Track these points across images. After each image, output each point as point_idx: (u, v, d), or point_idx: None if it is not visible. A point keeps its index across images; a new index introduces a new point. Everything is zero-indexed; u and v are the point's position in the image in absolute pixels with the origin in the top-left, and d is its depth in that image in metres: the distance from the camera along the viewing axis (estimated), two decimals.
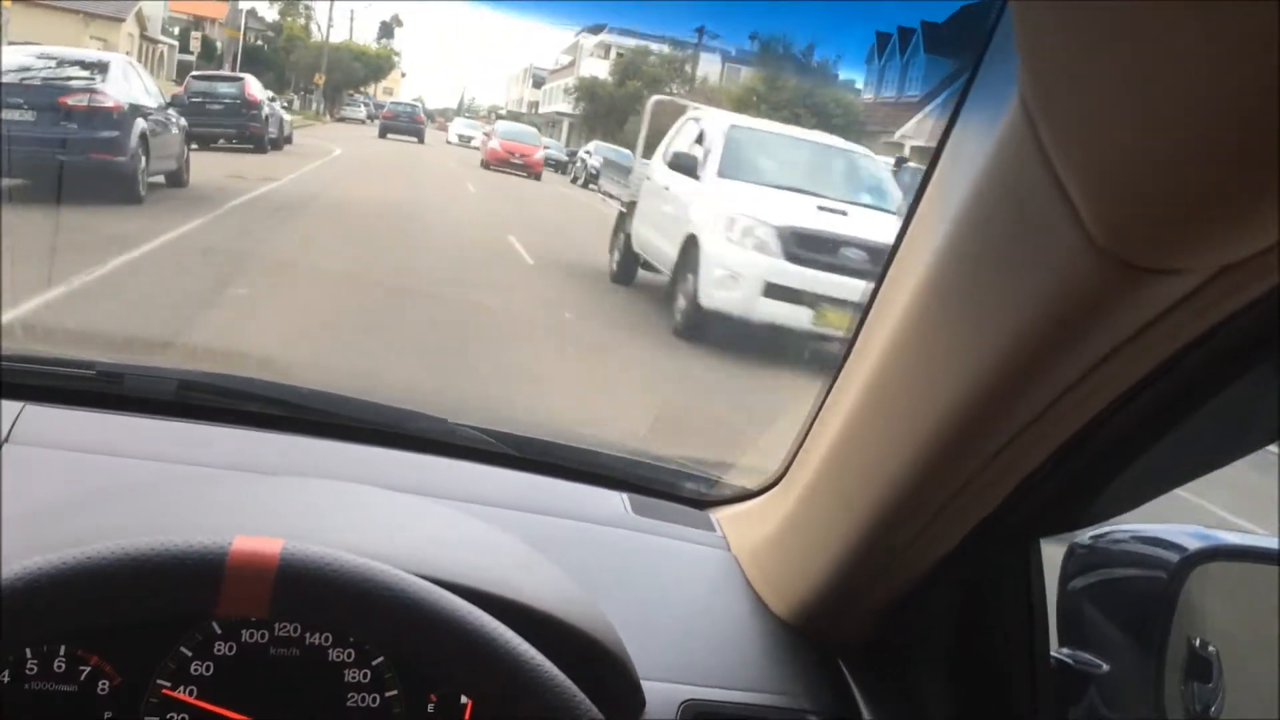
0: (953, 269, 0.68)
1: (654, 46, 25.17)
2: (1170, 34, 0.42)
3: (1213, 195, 0.47)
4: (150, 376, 1.21)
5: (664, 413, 4.62)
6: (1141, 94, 0.46)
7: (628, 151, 12.39)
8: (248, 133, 12.59)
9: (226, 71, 14.69)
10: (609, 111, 26.08)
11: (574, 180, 23.59)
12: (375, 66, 35.15)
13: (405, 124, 27.85)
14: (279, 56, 31.19)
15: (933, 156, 0.74)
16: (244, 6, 30.98)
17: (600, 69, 28.21)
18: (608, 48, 29.18)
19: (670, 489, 1.27)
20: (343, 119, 32.77)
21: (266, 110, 13.79)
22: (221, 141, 12.11)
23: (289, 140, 15.91)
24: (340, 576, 0.67)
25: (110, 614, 0.66)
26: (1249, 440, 0.71)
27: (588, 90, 27.81)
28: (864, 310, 0.86)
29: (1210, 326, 0.59)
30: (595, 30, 28.65)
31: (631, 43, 26.70)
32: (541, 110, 40.53)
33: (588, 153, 23.78)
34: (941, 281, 0.69)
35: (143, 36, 21.34)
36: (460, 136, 26.98)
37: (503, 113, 44.09)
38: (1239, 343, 0.61)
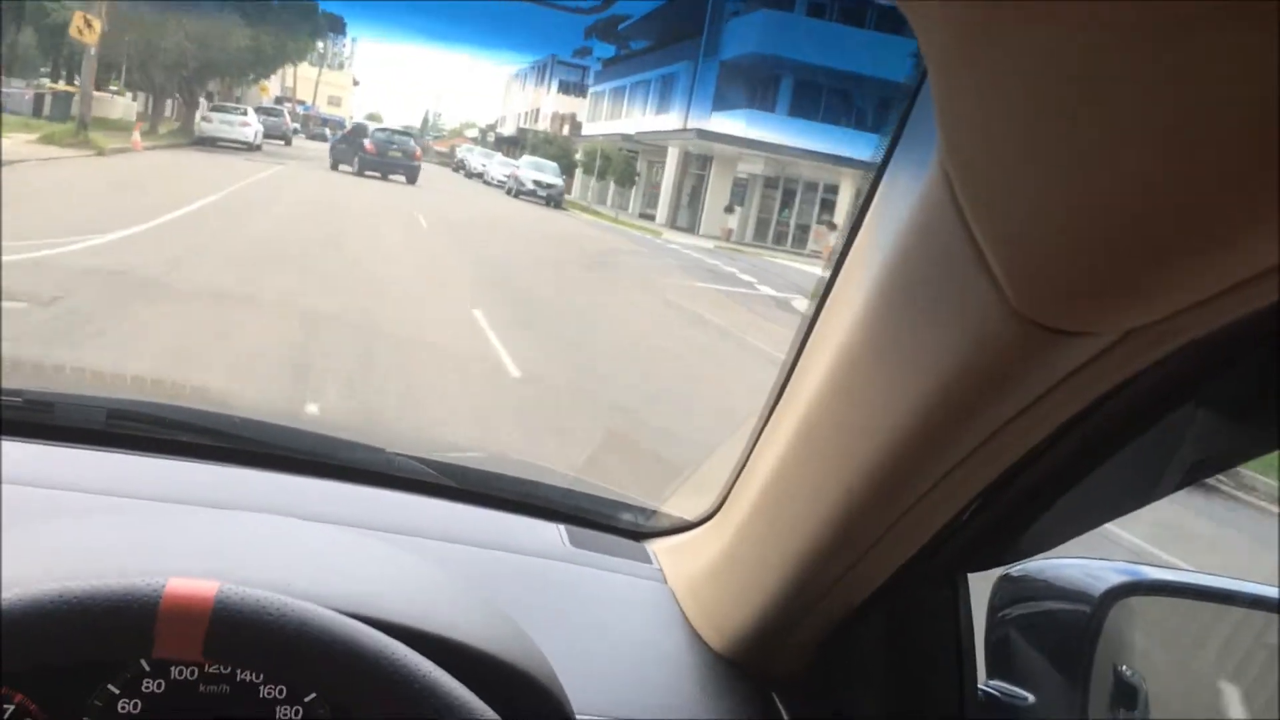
0: (879, 320, 0.70)
1: None
2: (1078, 114, 0.44)
3: (1117, 267, 0.50)
4: (80, 405, 1.18)
5: None
6: (1051, 169, 0.48)
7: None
8: None
9: None
10: None
11: (508, 191, 19.70)
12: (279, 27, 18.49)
13: (397, 162, 18.95)
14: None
15: (859, 209, 0.77)
16: None
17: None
18: None
19: (607, 520, 1.28)
20: (204, 140, 18.01)
21: None
22: None
23: None
24: (275, 621, 0.67)
25: (39, 658, 0.65)
26: (1164, 485, 0.74)
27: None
28: (796, 351, 0.87)
29: (1118, 383, 0.62)
30: None
31: None
32: (594, 130, 25.37)
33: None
34: (869, 331, 0.72)
35: None
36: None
37: (504, 134, 29.13)
38: (1146, 398, 0.64)
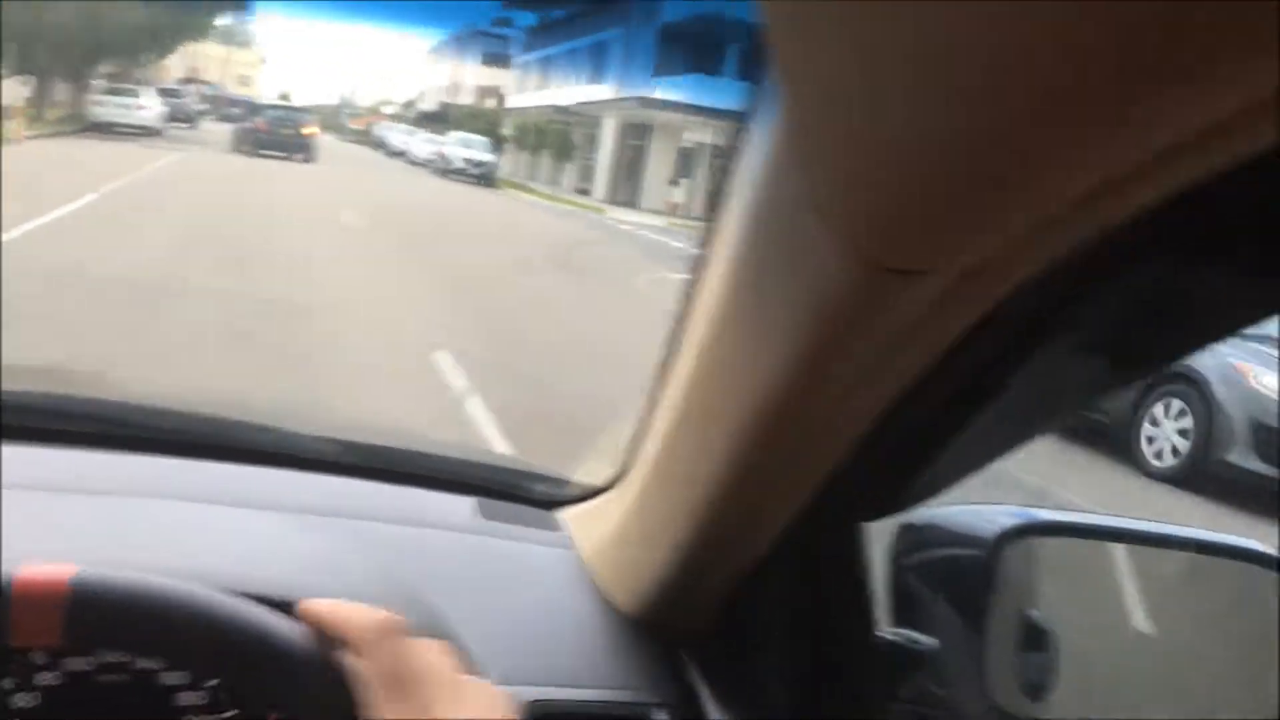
0: (741, 274, 0.71)
1: None
2: (906, 44, 0.44)
3: (950, 199, 0.50)
4: None
5: None
6: (879, 102, 0.48)
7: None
8: None
9: None
10: None
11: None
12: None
13: (290, 139, 18.67)
14: None
15: (727, 165, 0.77)
16: None
17: None
18: None
19: (517, 490, 1.27)
20: (98, 126, 16.79)
21: None
22: None
23: None
24: (137, 599, 0.66)
25: None
26: (1045, 419, 0.76)
27: None
28: (681, 310, 0.88)
29: (976, 320, 0.62)
30: None
31: None
32: (523, 103, 22.11)
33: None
34: (734, 286, 0.72)
35: None
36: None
37: (426, 110, 25.47)
38: (1007, 332, 0.64)
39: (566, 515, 1.23)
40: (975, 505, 1.00)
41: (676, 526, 0.91)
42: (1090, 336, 0.64)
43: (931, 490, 0.83)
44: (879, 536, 0.97)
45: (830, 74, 0.50)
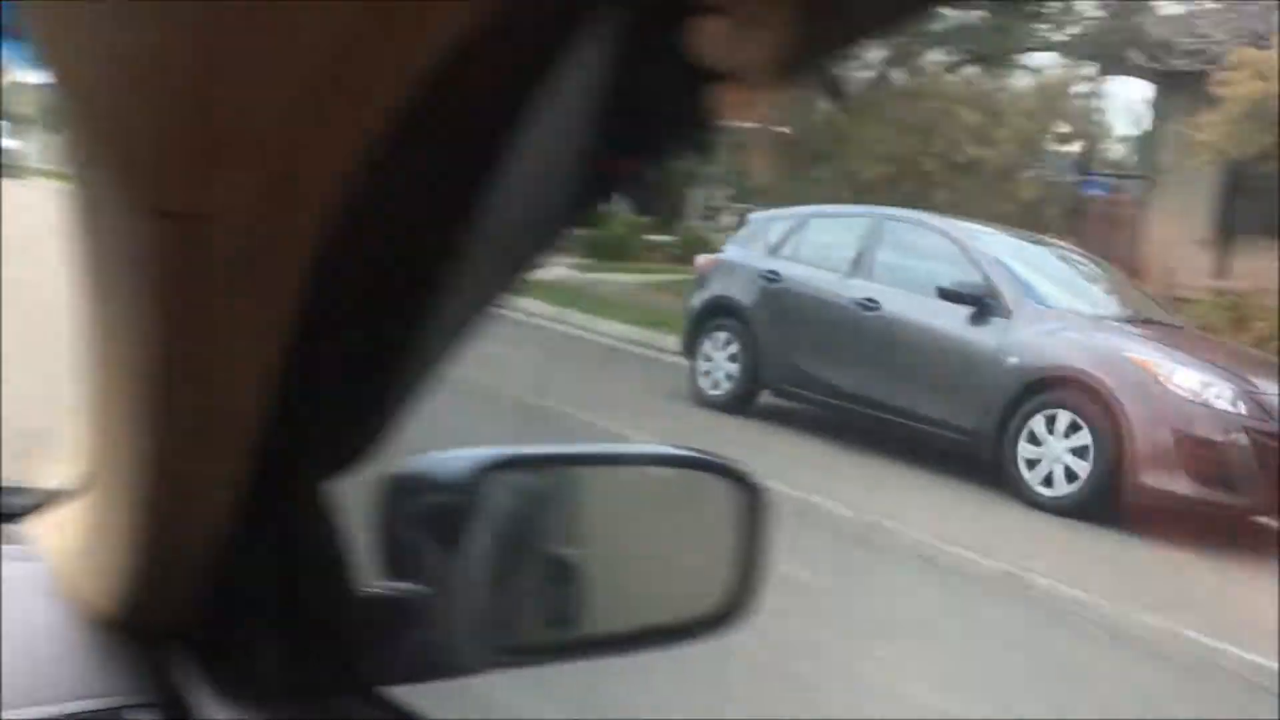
0: (76, 243, 0.66)
1: None
2: None
3: (192, 138, 0.47)
4: None
5: None
6: (108, 39, 0.44)
7: None
8: None
9: None
10: None
11: None
12: None
13: None
14: None
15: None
16: None
17: None
18: None
19: None
20: None
21: None
22: None
23: None
24: None
25: None
26: (453, 343, 0.74)
27: None
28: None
29: (313, 256, 0.59)
30: None
31: None
32: (36, 79, 23.42)
33: None
34: (77, 257, 0.66)
35: None
36: None
37: None
38: (353, 265, 0.62)
39: (31, 526, 1.14)
40: (456, 450, 1.01)
41: (133, 521, 0.86)
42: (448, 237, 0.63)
43: (375, 437, 0.83)
44: (368, 492, 0.96)
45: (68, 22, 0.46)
